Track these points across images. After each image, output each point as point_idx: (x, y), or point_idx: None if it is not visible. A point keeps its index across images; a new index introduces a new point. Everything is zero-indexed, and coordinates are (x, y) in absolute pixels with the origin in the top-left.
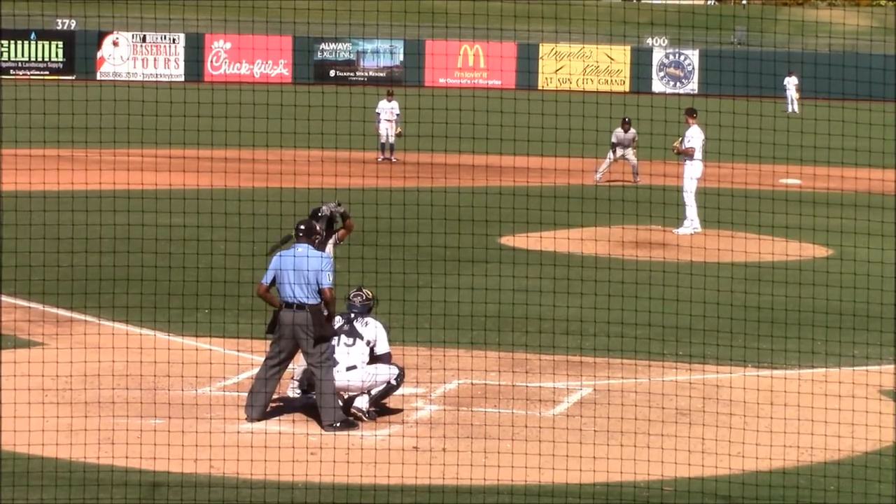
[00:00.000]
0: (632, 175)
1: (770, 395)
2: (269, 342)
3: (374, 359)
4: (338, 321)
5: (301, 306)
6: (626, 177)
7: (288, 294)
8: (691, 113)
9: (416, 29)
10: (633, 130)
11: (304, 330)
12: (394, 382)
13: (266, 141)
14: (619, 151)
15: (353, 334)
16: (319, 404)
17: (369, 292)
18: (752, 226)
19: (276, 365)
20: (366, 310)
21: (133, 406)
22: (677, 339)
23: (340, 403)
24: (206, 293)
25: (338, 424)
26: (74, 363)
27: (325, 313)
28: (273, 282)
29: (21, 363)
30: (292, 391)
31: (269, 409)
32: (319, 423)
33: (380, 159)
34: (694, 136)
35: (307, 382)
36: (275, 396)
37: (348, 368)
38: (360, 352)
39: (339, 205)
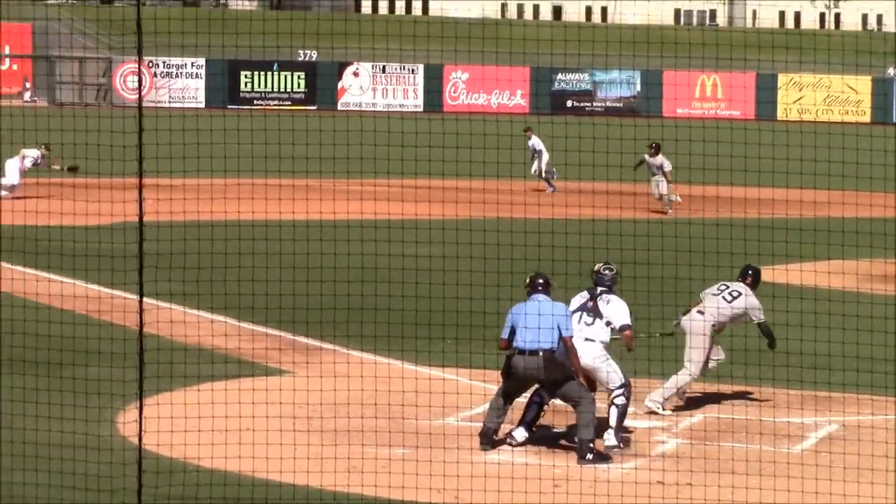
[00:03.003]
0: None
1: None
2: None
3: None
4: (582, 297)
5: (534, 352)
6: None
7: (521, 341)
8: None
9: (654, 59)
10: (660, 156)
11: (537, 374)
12: (623, 400)
13: (510, 171)
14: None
15: (595, 313)
16: (577, 436)
17: (614, 266)
18: None
19: (507, 397)
20: (613, 283)
21: (378, 435)
22: None
23: (594, 436)
24: (450, 323)
25: (590, 457)
26: (321, 391)
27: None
28: (512, 334)
29: (270, 391)
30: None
31: (507, 439)
32: (578, 454)
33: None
34: None
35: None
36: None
37: (586, 339)
38: (599, 328)
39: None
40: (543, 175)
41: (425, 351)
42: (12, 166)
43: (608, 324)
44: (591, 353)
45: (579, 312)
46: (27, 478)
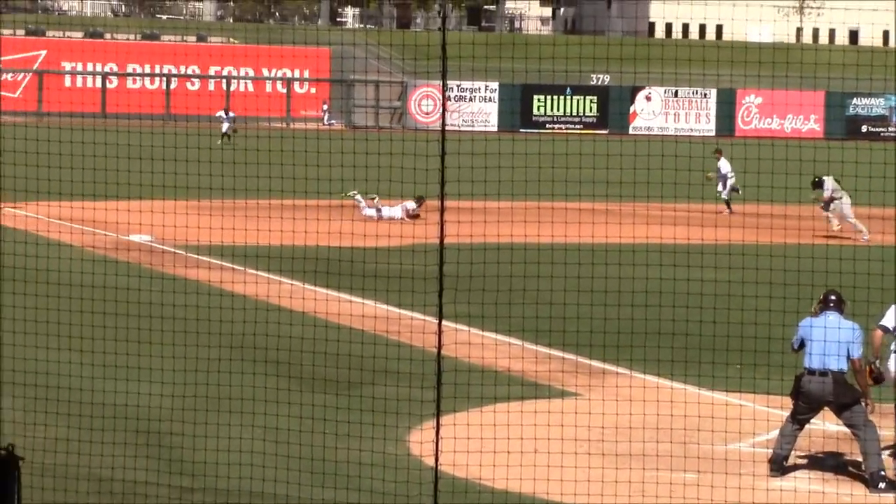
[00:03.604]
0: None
1: None
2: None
3: None
4: None
5: (824, 373)
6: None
7: (813, 362)
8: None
9: None
10: (827, 184)
11: (827, 395)
12: None
13: (798, 197)
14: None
15: None
16: (864, 466)
17: None
18: None
19: (797, 423)
20: None
21: (665, 459)
22: None
23: (886, 465)
24: (738, 348)
25: (882, 486)
26: (608, 415)
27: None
28: (801, 346)
29: (556, 413)
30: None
31: (796, 466)
32: (864, 483)
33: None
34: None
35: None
36: (805, 453)
37: None
38: None
39: None
40: (725, 196)
41: (711, 375)
42: (394, 212)
43: None
44: None
45: None
46: (325, 494)
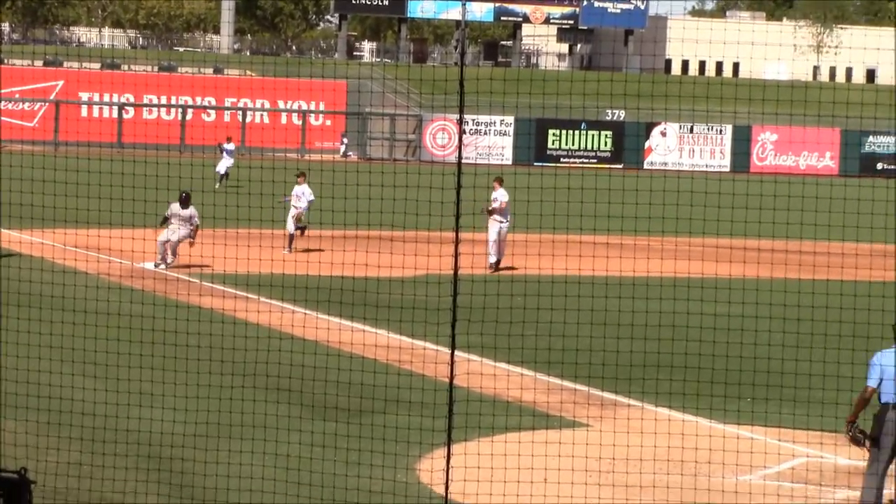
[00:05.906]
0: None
1: None
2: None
3: None
4: None
5: None
6: None
7: (889, 393)
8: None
9: None
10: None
11: None
12: None
13: (814, 233)
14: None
15: None
16: None
17: None
18: None
19: (878, 472)
20: None
21: (675, 491)
22: None
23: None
24: (750, 382)
25: None
26: (618, 446)
27: None
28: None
29: (566, 444)
30: None
31: None
32: None
33: None
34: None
35: None
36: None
37: None
38: None
39: None
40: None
41: (721, 409)
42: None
43: None
44: None
45: None
46: None
